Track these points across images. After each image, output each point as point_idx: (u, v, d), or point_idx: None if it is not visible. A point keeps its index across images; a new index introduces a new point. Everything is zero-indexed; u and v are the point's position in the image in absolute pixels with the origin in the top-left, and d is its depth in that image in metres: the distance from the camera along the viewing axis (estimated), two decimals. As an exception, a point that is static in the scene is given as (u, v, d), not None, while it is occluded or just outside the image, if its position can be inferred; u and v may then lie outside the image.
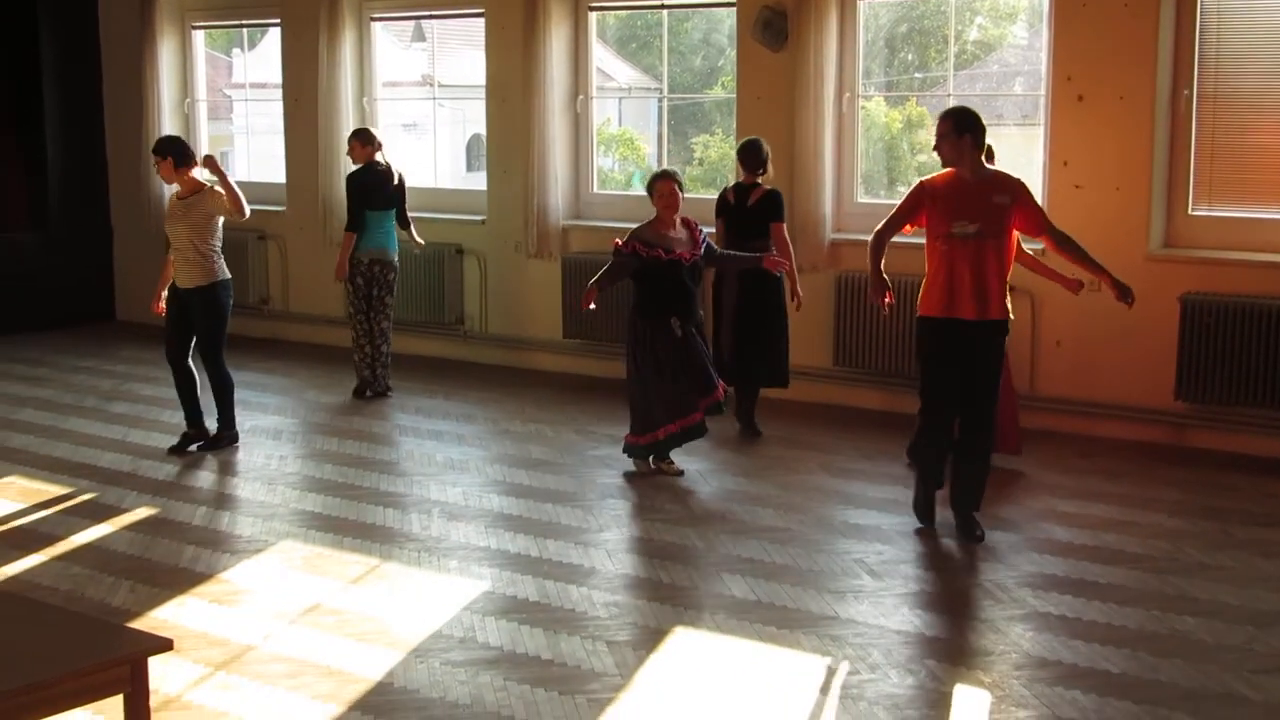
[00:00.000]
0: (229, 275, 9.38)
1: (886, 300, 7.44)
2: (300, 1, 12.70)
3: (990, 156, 7.79)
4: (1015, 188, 7.33)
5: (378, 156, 10.80)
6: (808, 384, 10.49)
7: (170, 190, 9.91)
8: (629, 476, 8.70)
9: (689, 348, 8.52)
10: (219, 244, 9.29)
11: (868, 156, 11.19)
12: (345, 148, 11.26)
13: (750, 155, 9.46)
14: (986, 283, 7.23)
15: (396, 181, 10.88)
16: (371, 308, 10.82)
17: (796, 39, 10.24)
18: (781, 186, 9.91)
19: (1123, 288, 7.37)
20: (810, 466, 8.96)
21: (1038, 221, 7.42)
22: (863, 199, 10.64)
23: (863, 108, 10.74)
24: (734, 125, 11.00)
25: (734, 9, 10.74)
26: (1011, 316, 7.43)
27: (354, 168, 10.84)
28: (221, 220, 9.28)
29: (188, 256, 9.21)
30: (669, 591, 6.76)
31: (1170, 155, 9.41)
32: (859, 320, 10.24)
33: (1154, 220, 9.41)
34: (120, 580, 6.94)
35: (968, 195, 7.23)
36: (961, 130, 7.23)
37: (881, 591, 6.75)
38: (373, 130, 11.13)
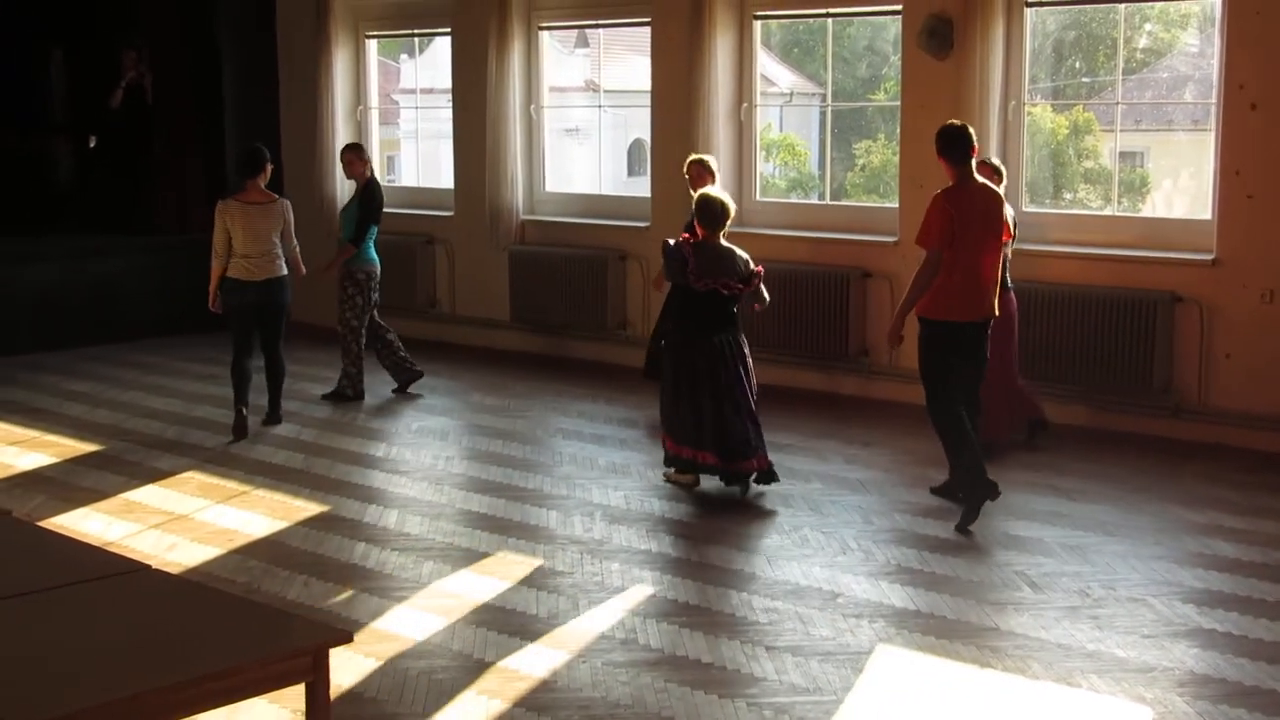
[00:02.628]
0: None
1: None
2: (471, 11, 12.96)
3: (998, 175, 8.65)
4: (998, 198, 8.06)
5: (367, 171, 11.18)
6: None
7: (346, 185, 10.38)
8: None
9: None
10: None
11: (1033, 164, 11.08)
12: (515, 154, 11.46)
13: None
14: (993, 284, 7.97)
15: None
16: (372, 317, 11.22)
17: (962, 46, 10.20)
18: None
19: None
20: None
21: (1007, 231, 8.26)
22: (1029, 208, 10.54)
23: (1028, 114, 10.65)
24: (897, 132, 10.98)
25: (899, 16, 10.73)
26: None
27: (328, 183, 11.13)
28: None
29: (273, 251, 10.15)
30: (828, 599, 6.80)
31: (1348, 165, 9.19)
32: (1022, 331, 10.12)
33: (1329, 231, 9.20)
34: (295, 575, 7.18)
35: (973, 204, 7.86)
36: (939, 153, 7.96)
37: (1042, 604, 6.72)
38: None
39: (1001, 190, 8.35)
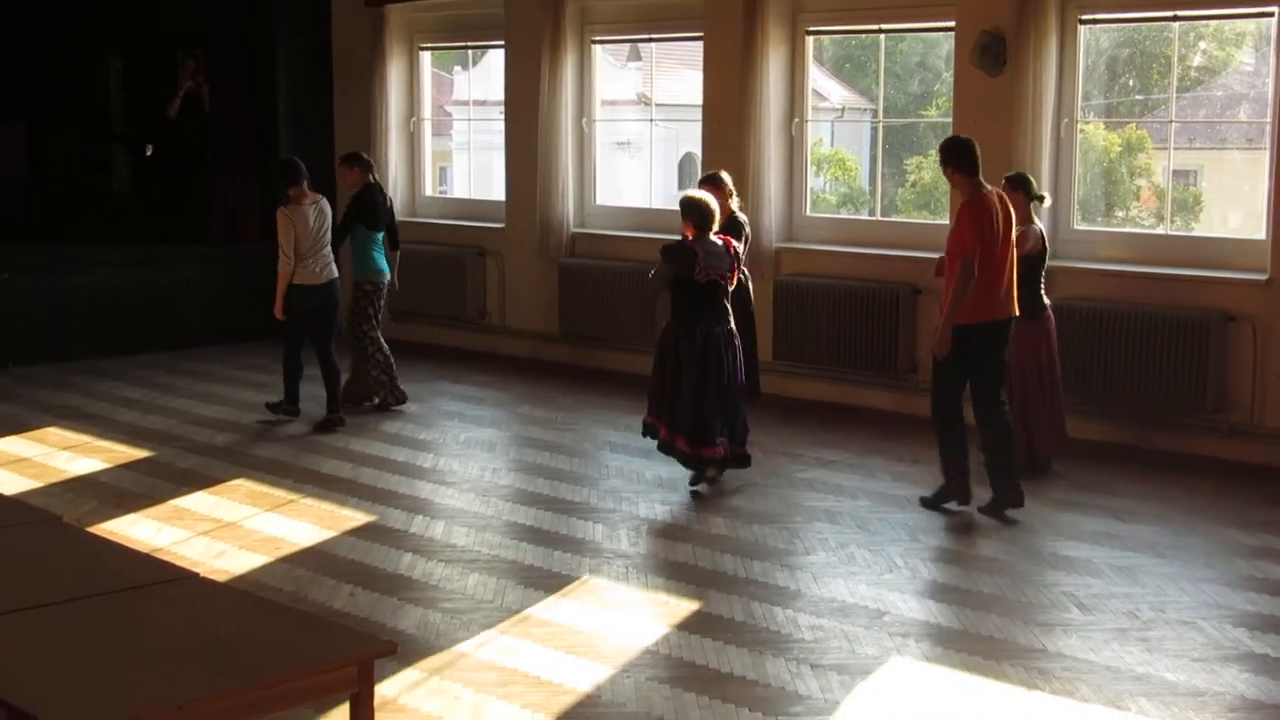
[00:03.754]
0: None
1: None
2: (525, 24, 13.01)
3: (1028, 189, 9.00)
4: (1006, 202, 8.42)
5: (369, 177, 11.21)
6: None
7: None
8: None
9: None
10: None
11: (1085, 181, 11.01)
12: (566, 166, 11.47)
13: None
14: (1013, 284, 8.36)
15: (389, 204, 11.46)
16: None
17: (1015, 63, 10.15)
18: None
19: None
20: (1020, 495, 8.86)
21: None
22: (1079, 225, 10.48)
23: (1080, 131, 10.59)
24: (949, 149, 10.92)
25: (952, 33, 10.70)
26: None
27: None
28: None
29: (328, 252, 10.63)
30: (874, 617, 6.78)
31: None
32: (1076, 351, 10.05)
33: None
34: (341, 584, 7.21)
35: (994, 210, 8.25)
36: (950, 166, 8.35)
37: (1090, 626, 6.67)
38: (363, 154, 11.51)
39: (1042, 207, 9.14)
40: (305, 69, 14.87)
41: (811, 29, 11.62)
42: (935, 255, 10.65)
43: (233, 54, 15.04)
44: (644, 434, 9.19)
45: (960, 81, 10.62)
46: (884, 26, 11.57)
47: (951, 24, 10.65)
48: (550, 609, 6.90)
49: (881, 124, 12.71)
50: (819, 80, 12.41)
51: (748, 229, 9.86)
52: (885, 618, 6.77)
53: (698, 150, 12.69)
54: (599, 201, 13.21)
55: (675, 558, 7.67)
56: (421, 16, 14.30)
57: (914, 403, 10.87)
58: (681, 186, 18.81)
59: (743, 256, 9.24)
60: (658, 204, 13.40)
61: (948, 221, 10.74)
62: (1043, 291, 9.20)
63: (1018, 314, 8.45)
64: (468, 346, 13.59)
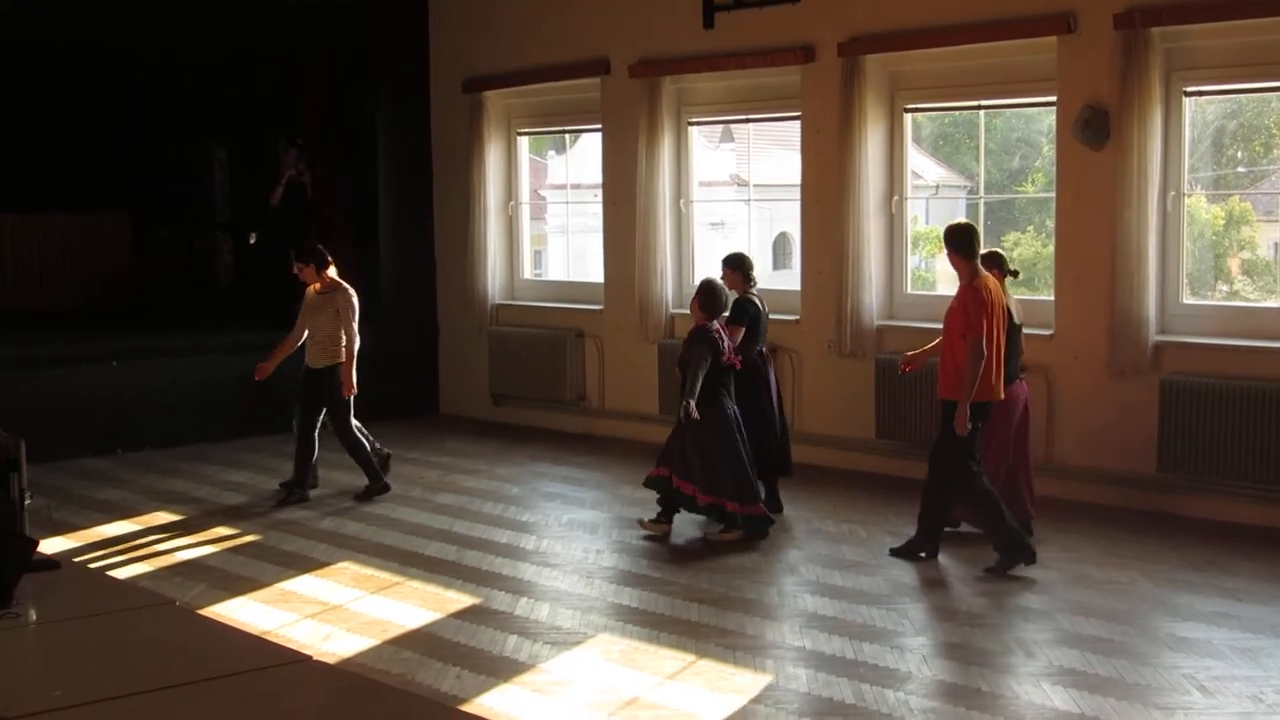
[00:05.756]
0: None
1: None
2: (621, 107, 13.12)
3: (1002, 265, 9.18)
4: (999, 285, 8.91)
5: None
6: (1129, 491, 10.22)
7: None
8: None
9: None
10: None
11: (1191, 255, 10.87)
12: (665, 247, 11.50)
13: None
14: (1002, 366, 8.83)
15: None
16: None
17: (1118, 137, 10.06)
18: (1102, 286, 9.95)
19: None
20: (1131, 575, 8.68)
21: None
22: (1188, 299, 10.33)
23: (1186, 205, 10.46)
24: (1050, 224, 10.85)
25: (1054, 107, 10.63)
26: None
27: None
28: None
29: (321, 340, 10.81)
30: (988, 700, 6.64)
31: None
32: (1189, 426, 9.87)
33: None
34: (448, 666, 7.19)
35: (993, 292, 8.74)
36: (955, 250, 8.77)
37: (1213, 709, 6.48)
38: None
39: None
40: (405, 154, 15.08)
41: (910, 106, 11.62)
42: (1044, 332, 10.59)
43: (334, 141, 15.28)
44: (646, 484, 9.90)
45: (1062, 156, 10.54)
46: (983, 103, 11.53)
47: (1053, 99, 10.60)
48: (657, 691, 6.83)
49: (982, 200, 12.62)
50: (914, 158, 12.37)
51: (765, 310, 10.31)
52: (1000, 701, 6.62)
53: (791, 229, 12.69)
54: (697, 281, 13.20)
55: (782, 639, 7.57)
56: (518, 102, 14.48)
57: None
58: (777, 266, 18.80)
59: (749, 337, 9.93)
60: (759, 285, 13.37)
61: (1053, 298, 10.70)
62: (1020, 362, 9.39)
63: (1002, 398, 8.90)
64: (566, 429, 13.62)
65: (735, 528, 9.57)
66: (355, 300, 10.93)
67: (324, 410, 10.94)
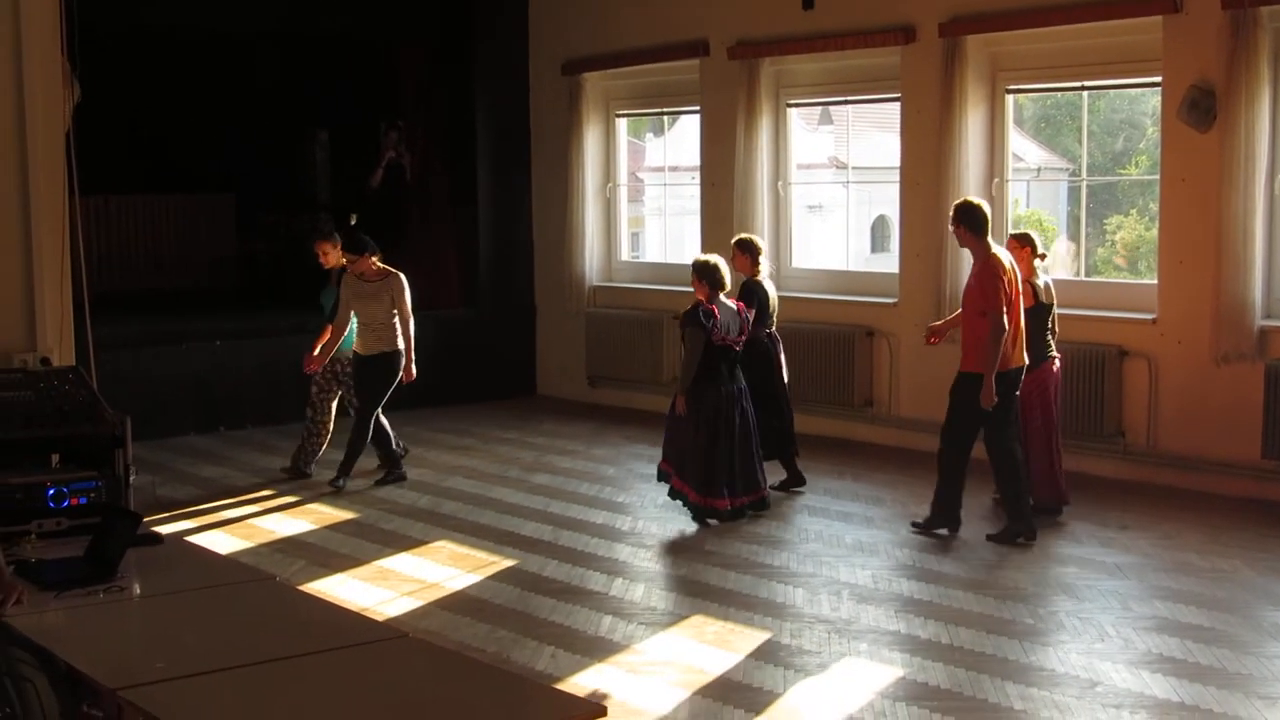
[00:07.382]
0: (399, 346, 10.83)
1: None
2: (720, 89, 13.09)
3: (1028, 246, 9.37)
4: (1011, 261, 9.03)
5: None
6: (1232, 478, 10.05)
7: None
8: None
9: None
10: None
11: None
12: (763, 229, 11.52)
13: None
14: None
15: None
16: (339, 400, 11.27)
17: (1225, 118, 9.88)
18: (1208, 270, 9.81)
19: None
20: (1234, 563, 8.55)
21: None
22: (1302, 284, 10.14)
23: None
24: (1154, 207, 10.69)
25: (1159, 89, 10.47)
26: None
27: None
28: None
29: (375, 328, 10.74)
30: (1086, 688, 6.57)
31: None
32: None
33: None
34: (543, 645, 7.24)
35: (1006, 267, 8.87)
36: (965, 227, 8.92)
37: (1318, 700, 6.38)
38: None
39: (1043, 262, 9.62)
40: (504, 137, 15.15)
41: (1011, 87, 11.49)
42: (1146, 316, 10.46)
43: (434, 123, 15.39)
44: (658, 479, 9.90)
45: (1168, 138, 10.38)
46: (1086, 84, 11.37)
47: (1158, 79, 10.43)
48: (750, 673, 6.83)
49: (1085, 182, 12.46)
50: (1015, 140, 12.24)
51: (773, 296, 10.45)
52: (1098, 688, 6.56)
53: (889, 212, 12.61)
54: (795, 264, 13.18)
55: (877, 623, 7.54)
56: (617, 84, 14.50)
57: (1120, 467, 10.59)
58: (875, 250, 18.71)
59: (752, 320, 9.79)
60: (854, 266, 13.31)
61: (1156, 282, 10.55)
62: (1050, 341, 9.49)
63: (1027, 363, 9.02)
64: (664, 410, 13.60)
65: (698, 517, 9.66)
66: (407, 285, 10.91)
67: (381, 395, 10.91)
